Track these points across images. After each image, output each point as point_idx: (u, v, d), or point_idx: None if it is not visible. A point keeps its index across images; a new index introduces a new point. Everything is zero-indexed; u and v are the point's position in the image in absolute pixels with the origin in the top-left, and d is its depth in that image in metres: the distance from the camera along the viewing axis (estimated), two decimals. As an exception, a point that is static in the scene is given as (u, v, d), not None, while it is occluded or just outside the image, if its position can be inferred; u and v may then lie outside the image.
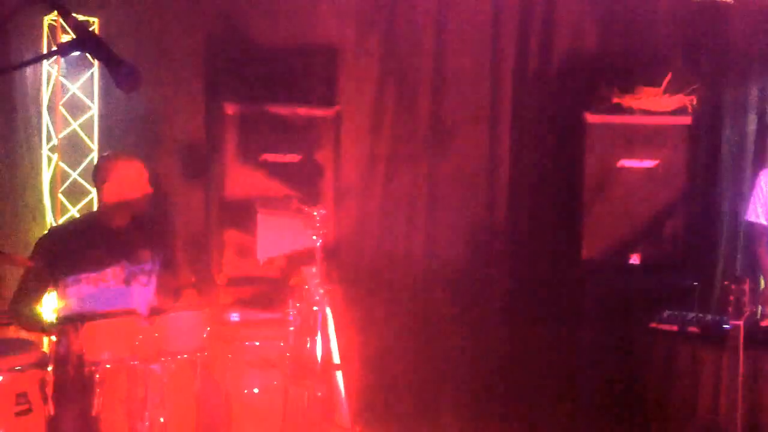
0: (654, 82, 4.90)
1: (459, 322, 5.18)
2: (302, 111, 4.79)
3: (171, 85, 4.92)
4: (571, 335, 4.84)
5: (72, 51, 2.21)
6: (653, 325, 3.76)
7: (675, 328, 3.73)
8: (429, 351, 5.11)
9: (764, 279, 4.04)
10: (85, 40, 2.13)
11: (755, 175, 4.21)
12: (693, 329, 3.69)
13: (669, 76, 4.86)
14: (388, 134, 5.32)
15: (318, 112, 4.84)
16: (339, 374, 3.67)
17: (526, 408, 4.92)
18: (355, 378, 3.74)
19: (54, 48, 4.69)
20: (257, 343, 3.65)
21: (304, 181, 4.70)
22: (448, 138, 5.34)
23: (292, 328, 3.66)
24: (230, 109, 4.71)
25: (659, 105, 4.88)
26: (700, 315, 3.83)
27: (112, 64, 2.12)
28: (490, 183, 5.38)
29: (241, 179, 4.68)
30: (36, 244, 3.75)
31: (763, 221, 4.07)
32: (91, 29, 2.88)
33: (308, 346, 3.61)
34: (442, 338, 5.16)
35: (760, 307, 3.75)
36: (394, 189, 5.30)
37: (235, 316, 3.78)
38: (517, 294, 5.23)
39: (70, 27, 2.23)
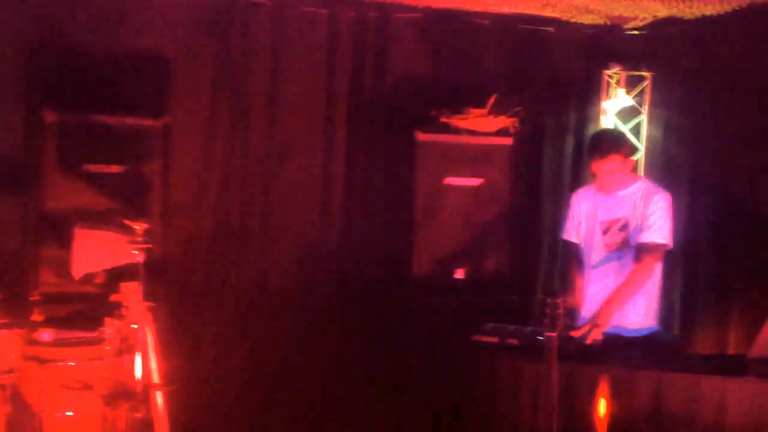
0: (480, 104, 5.09)
1: (289, 342, 5.15)
2: (128, 121, 4.63)
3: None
4: (400, 351, 4.91)
5: None
6: (475, 337, 3.86)
7: (496, 340, 3.84)
8: (257, 371, 5.03)
9: (568, 292, 4.20)
10: None
11: (573, 193, 4.42)
12: (512, 341, 3.81)
13: (493, 98, 5.07)
14: (221, 149, 5.23)
15: (145, 122, 4.69)
16: (159, 395, 3.54)
17: (355, 426, 4.93)
18: (178, 399, 3.62)
19: None
20: (72, 364, 3.47)
21: (129, 194, 4.54)
22: (282, 155, 5.33)
23: (109, 348, 3.50)
24: (50, 117, 4.48)
25: (484, 126, 5.07)
26: (520, 327, 3.97)
27: None
28: (324, 201, 5.40)
29: (61, 191, 4.46)
30: None
31: (574, 239, 4.26)
32: None
33: (127, 365, 3.47)
34: (270, 358, 5.10)
35: (576, 320, 3.93)
36: (227, 205, 5.21)
37: (47, 335, 3.57)
38: (348, 312, 5.25)
39: None
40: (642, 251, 4.01)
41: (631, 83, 5.43)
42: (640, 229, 4.02)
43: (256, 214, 5.28)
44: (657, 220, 4.00)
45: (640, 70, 5.44)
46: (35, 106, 4.61)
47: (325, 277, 5.33)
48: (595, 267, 4.16)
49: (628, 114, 5.45)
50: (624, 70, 5.40)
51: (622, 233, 4.08)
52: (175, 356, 3.71)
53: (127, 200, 4.45)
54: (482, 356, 3.80)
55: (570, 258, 4.27)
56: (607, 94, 5.46)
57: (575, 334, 3.82)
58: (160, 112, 4.84)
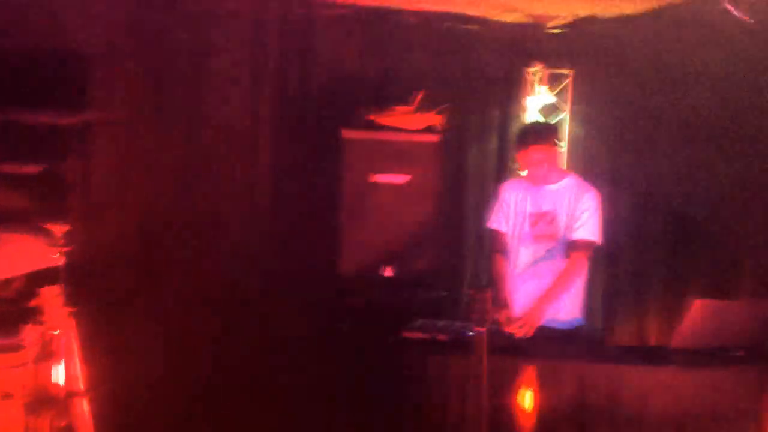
0: (406, 102, 5.11)
1: (216, 343, 5.08)
2: (46, 118, 4.49)
3: None
4: (329, 350, 4.89)
5: None
6: (405, 334, 3.88)
7: (426, 336, 3.87)
8: (184, 374, 4.95)
9: (496, 285, 4.26)
10: None
11: (498, 190, 4.46)
12: (442, 337, 3.84)
13: (419, 96, 5.08)
14: (143, 148, 5.12)
15: (63, 120, 4.55)
16: (83, 402, 3.44)
17: (285, 425, 4.90)
18: (102, 405, 3.53)
19: None
20: (-9, 372, 3.35)
21: (48, 195, 4.40)
22: (207, 154, 5.25)
23: (30, 354, 3.39)
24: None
25: (410, 123, 5.09)
26: (449, 323, 4.00)
27: None
28: (249, 200, 5.34)
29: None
30: None
31: (502, 228, 4.30)
32: None
33: (49, 372, 3.36)
34: (198, 360, 5.02)
35: (500, 315, 3.97)
36: (150, 205, 5.11)
37: (-36, 343, 3.44)
38: (276, 312, 5.21)
39: None
40: (573, 248, 4.09)
41: (553, 81, 5.53)
42: (570, 226, 4.10)
43: (181, 214, 5.20)
44: (588, 217, 4.09)
45: (561, 68, 5.54)
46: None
47: (252, 277, 5.28)
48: (523, 258, 4.22)
49: (550, 111, 5.55)
50: (546, 67, 5.49)
51: (550, 226, 4.15)
52: (99, 362, 3.61)
53: (45, 201, 4.31)
54: (412, 353, 3.82)
55: (496, 247, 4.31)
56: (530, 92, 5.54)
57: (509, 330, 3.87)
58: (79, 109, 4.71)
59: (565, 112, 5.54)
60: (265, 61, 5.34)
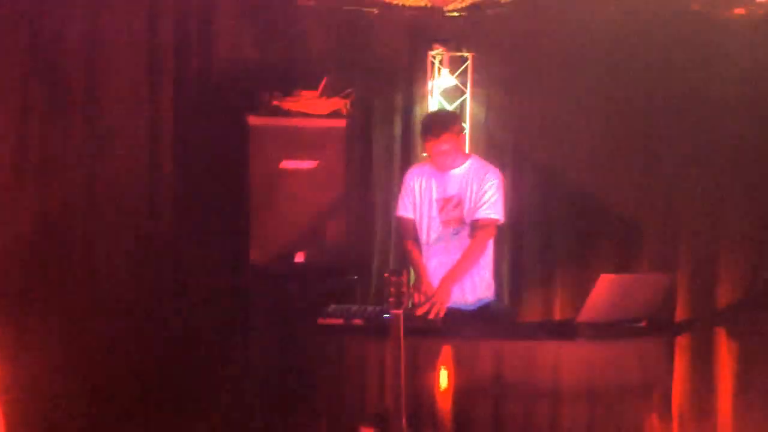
0: (312, 86, 5.08)
1: (122, 339, 4.96)
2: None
3: None
4: (242, 339, 4.85)
5: None
6: (321, 320, 3.88)
7: (341, 321, 3.88)
8: (88, 372, 4.81)
9: (413, 270, 4.32)
10: None
11: (404, 173, 4.50)
12: (357, 321, 3.86)
13: (324, 80, 5.06)
14: (37, 140, 4.95)
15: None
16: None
17: (201, 418, 4.84)
18: (10, 406, 3.41)
19: None
20: None
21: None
22: (104, 144, 5.11)
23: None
24: None
25: (316, 108, 5.07)
26: (363, 307, 4.02)
27: None
28: (152, 191, 5.23)
29: None
30: None
31: (410, 215, 4.35)
32: None
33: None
34: (103, 357, 4.89)
35: (415, 297, 4.02)
36: (47, 199, 4.94)
37: None
38: (186, 303, 5.12)
39: None
40: (476, 228, 4.17)
41: (455, 64, 5.59)
42: (474, 207, 4.18)
43: (80, 207, 5.06)
44: (490, 197, 4.17)
45: (461, 51, 5.61)
46: None
47: (159, 270, 5.17)
48: (431, 244, 4.28)
49: (452, 94, 5.62)
50: (447, 51, 5.55)
51: (456, 210, 4.22)
52: (3, 364, 3.48)
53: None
54: (328, 339, 3.83)
55: (405, 234, 4.36)
56: (432, 75, 5.60)
57: (419, 311, 3.92)
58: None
59: (466, 95, 5.62)
60: (162, 47, 5.21)
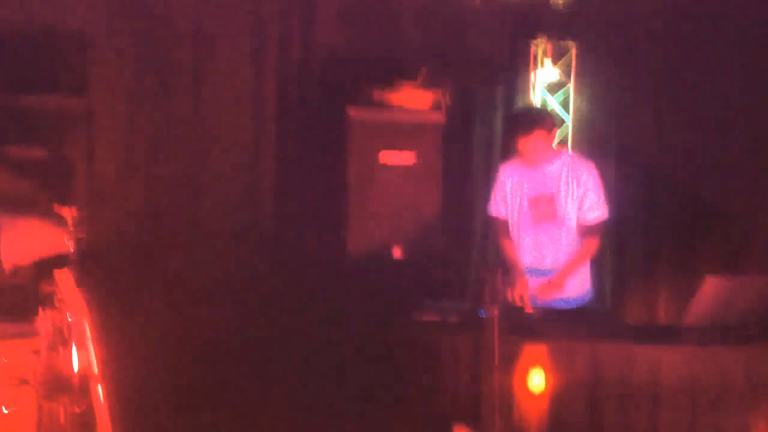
0: (412, 79, 5.07)
1: (225, 324, 5.07)
2: (48, 101, 4.47)
3: None
4: (338, 330, 4.88)
5: None
6: (416, 316, 3.88)
7: (436, 318, 3.87)
8: (195, 356, 4.95)
9: (508, 269, 4.26)
10: None
11: (496, 171, 4.44)
12: (453, 319, 3.85)
13: (424, 71, 5.04)
14: (146, 130, 5.10)
15: (66, 103, 4.53)
16: (99, 387, 3.44)
17: (295, 407, 4.91)
18: (117, 390, 3.53)
19: None
20: (5, 360, 3.34)
21: (54, 179, 4.38)
22: (210, 135, 5.23)
23: (44, 340, 3.38)
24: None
25: (416, 100, 5.06)
26: (459, 304, 4.01)
27: None
28: (254, 181, 5.32)
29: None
30: None
31: (503, 214, 4.29)
32: None
33: (64, 358, 3.36)
34: (208, 342, 5.02)
35: (509, 295, 3.98)
36: (155, 187, 5.09)
37: (-21, 330, 3.43)
38: (284, 292, 5.20)
39: None
40: (587, 232, 4.12)
41: (558, 54, 5.49)
42: (577, 209, 4.10)
43: (185, 196, 5.18)
44: (594, 196, 4.10)
45: (564, 41, 5.49)
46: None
47: (258, 258, 5.25)
48: (524, 241, 4.22)
49: (555, 86, 5.52)
50: (550, 41, 5.45)
51: (550, 207, 4.15)
52: (113, 346, 3.61)
53: (52, 186, 4.29)
54: (423, 335, 3.82)
55: (501, 233, 4.31)
56: (535, 66, 5.50)
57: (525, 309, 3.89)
58: (82, 92, 4.68)
59: (569, 86, 5.50)
60: (266, 41, 5.29)
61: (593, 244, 4.13)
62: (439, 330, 3.81)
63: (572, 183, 4.11)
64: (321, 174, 5.28)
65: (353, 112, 4.99)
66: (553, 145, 4.24)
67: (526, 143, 4.11)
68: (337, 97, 5.14)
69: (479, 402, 3.45)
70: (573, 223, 4.14)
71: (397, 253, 4.90)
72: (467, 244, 5.43)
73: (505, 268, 4.26)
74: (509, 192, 4.25)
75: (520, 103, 5.49)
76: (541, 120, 4.15)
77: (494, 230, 4.39)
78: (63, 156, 4.44)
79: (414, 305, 3.96)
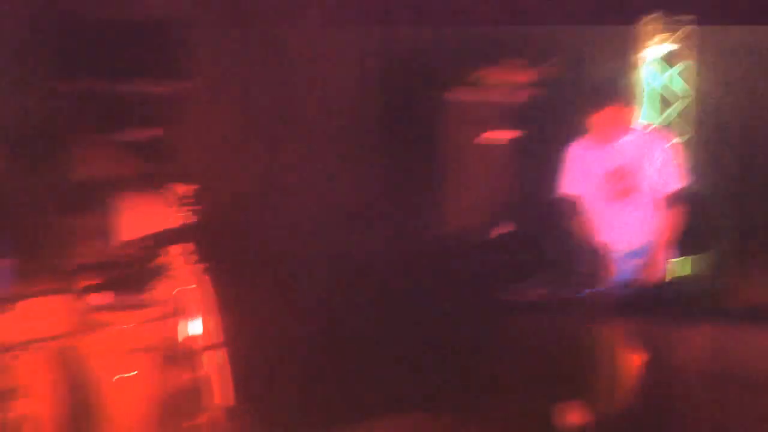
0: (514, 57, 5.00)
1: (333, 299, 5.15)
2: (158, 85, 4.63)
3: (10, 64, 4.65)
4: (435, 312, 4.89)
5: None
6: (513, 296, 3.85)
7: (533, 298, 3.83)
8: (308, 329, 5.04)
9: (586, 249, 4.14)
10: None
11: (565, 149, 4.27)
12: (549, 298, 3.79)
13: (528, 50, 4.96)
14: (255, 110, 5.21)
15: (175, 85, 4.69)
16: (215, 355, 3.57)
17: (402, 386, 4.93)
18: (233, 358, 3.65)
19: None
20: (129, 327, 3.50)
21: (163, 158, 4.55)
22: (309, 112, 5.30)
23: (163, 310, 3.53)
24: (77, 85, 4.49)
25: (518, 79, 5.00)
26: (557, 284, 3.95)
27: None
28: (355, 157, 5.36)
29: (95, 158, 4.48)
30: None
31: (576, 192, 4.16)
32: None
33: (183, 326, 3.50)
34: (319, 316, 5.11)
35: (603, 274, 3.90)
36: (260, 165, 5.20)
37: (102, 300, 3.61)
38: (384, 273, 5.22)
39: None
40: (670, 201, 3.99)
41: (671, 30, 5.31)
42: (656, 181, 3.99)
43: (292, 174, 5.26)
44: (671, 167, 3.99)
45: (679, 16, 5.31)
46: (61, 74, 4.62)
47: (358, 237, 5.29)
48: (603, 219, 4.12)
49: (669, 60, 5.34)
50: (664, 15, 5.27)
51: (628, 182, 4.04)
52: (229, 316, 3.73)
53: (162, 164, 4.45)
54: (520, 315, 3.78)
55: (573, 211, 4.19)
56: (647, 42, 5.34)
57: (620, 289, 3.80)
58: (190, 76, 4.83)
59: (684, 62, 5.32)
60: (370, 19, 5.30)
61: (676, 216, 3.99)
62: (537, 310, 3.76)
63: (649, 155, 4.00)
64: (420, 153, 5.27)
65: (454, 92, 4.96)
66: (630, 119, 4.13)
67: (602, 117, 4.02)
68: (438, 78, 5.11)
69: (583, 382, 3.40)
70: (652, 196, 4.02)
71: (496, 232, 4.85)
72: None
73: (587, 248, 4.15)
74: (583, 169, 4.15)
75: (631, 80, 5.35)
76: (618, 94, 4.06)
77: (565, 209, 4.26)
78: (174, 136, 4.60)
79: (513, 286, 3.92)
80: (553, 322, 3.67)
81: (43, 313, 3.30)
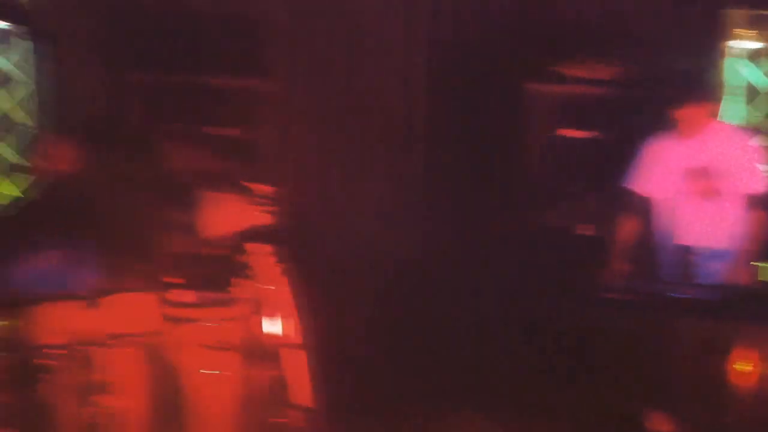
0: (594, 51, 4.92)
1: (415, 299, 5.16)
2: (243, 83, 4.70)
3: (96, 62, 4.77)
4: (525, 309, 4.84)
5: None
6: (604, 294, 3.79)
7: (627, 296, 3.77)
8: (388, 329, 5.07)
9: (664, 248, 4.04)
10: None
11: (647, 146, 4.19)
12: (643, 297, 3.73)
13: (606, 44, 4.88)
14: (336, 110, 5.24)
15: (259, 83, 4.75)
16: (295, 354, 3.62)
17: (498, 383, 4.90)
18: (314, 357, 3.69)
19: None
20: (212, 324, 3.57)
21: (250, 156, 4.62)
22: (391, 111, 5.30)
23: (245, 308, 3.59)
24: (166, 82, 4.60)
25: (597, 74, 4.92)
26: (652, 282, 3.89)
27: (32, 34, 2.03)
28: (430, 157, 5.34)
29: (183, 154, 4.56)
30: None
31: (650, 190, 4.11)
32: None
33: (264, 325, 3.55)
34: (400, 316, 5.12)
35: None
36: (346, 165, 5.22)
37: (186, 297, 3.68)
38: (461, 268, 5.21)
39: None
40: (754, 202, 3.90)
41: (758, 23, 5.15)
42: (738, 180, 3.87)
43: (377, 171, 5.27)
44: (756, 166, 3.90)
45: (764, 10, 5.16)
46: (150, 70, 4.72)
47: (432, 233, 5.27)
48: (682, 218, 4.01)
49: (755, 56, 5.20)
50: (750, 9, 5.13)
51: (709, 180, 3.94)
52: (309, 316, 3.77)
53: (248, 162, 4.52)
54: (612, 313, 3.73)
55: (636, 209, 4.10)
56: (732, 36, 5.20)
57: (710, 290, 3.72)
58: (274, 73, 4.88)
59: (769, 57, 5.17)
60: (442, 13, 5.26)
61: (761, 216, 3.88)
62: (630, 309, 3.70)
63: (733, 155, 3.91)
64: (499, 149, 5.22)
65: (532, 86, 4.92)
66: (715, 117, 4.03)
67: (685, 114, 3.92)
68: (515, 71, 5.05)
69: (674, 388, 3.33)
70: (735, 196, 3.91)
71: (585, 230, 4.79)
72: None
73: (669, 248, 4.06)
74: (662, 166, 4.05)
75: (716, 76, 5.21)
76: (701, 90, 3.96)
77: (634, 206, 4.16)
78: (257, 135, 4.66)
79: (601, 284, 3.86)
80: (639, 322, 3.60)
81: (130, 309, 3.38)
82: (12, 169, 4.66)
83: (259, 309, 3.59)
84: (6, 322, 3.29)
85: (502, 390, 4.62)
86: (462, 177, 5.29)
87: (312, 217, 5.09)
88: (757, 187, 3.91)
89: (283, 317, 3.57)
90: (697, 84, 4.13)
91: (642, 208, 4.16)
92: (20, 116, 4.67)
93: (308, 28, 5.15)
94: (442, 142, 5.32)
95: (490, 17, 5.29)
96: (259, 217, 3.71)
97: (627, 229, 4.14)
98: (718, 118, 4.32)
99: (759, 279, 4.04)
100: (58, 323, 3.16)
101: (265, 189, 3.76)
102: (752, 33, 5.12)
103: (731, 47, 5.19)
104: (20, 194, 4.57)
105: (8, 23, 2.62)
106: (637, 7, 5.28)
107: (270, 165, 4.71)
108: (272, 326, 3.54)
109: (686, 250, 3.99)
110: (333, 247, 5.14)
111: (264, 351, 3.53)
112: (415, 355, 5.03)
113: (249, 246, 3.74)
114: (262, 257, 3.62)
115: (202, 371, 3.48)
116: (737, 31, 5.17)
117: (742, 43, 5.16)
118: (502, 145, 5.18)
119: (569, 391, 3.86)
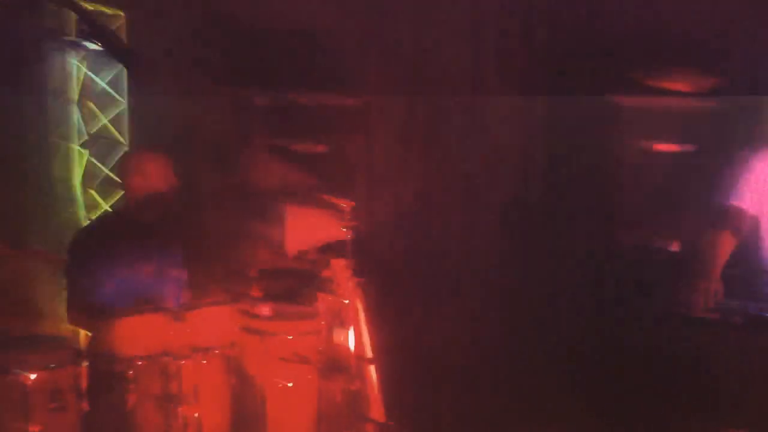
0: (686, 63, 4.78)
1: (496, 314, 5.10)
2: (330, 100, 4.75)
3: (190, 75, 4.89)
4: (609, 324, 4.74)
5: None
6: (693, 314, 3.66)
7: (717, 316, 3.63)
8: (465, 344, 5.03)
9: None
10: (90, 31, 2.11)
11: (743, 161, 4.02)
12: (735, 319, 3.59)
13: (698, 54, 4.73)
14: (420, 126, 5.25)
15: (345, 100, 4.80)
16: (372, 368, 3.63)
17: (565, 406, 4.81)
18: (388, 372, 3.70)
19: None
20: (290, 337, 3.62)
21: (334, 172, 4.66)
22: (477, 125, 5.27)
23: (323, 322, 3.62)
24: (255, 99, 4.68)
25: (689, 86, 4.77)
26: (743, 303, 3.73)
27: (119, 56, 2.10)
28: (522, 168, 5.28)
29: (269, 171, 4.65)
30: (71, 241, 3.76)
31: (748, 206, 3.89)
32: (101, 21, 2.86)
33: (340, 339, 3.58)
34: (478, 331, 5.08)
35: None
36: (428, 179, 5.22)
37: (267, 310, 3.75)
38: (550, 284, 5.13)
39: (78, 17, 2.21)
40: None
41: None
42: None
43: (457, 187, 5.25)
44: None
45: None
46: (240, 88, 4.82)
47: (524, 247, 5.21)
48: None
49: None
50: None
51: None
52: (385, 330, 3.78)
53: (332, 178, 4.56)
54: (701, 333, 3.60)
55: (730, 226, 3.91)
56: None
57: None
58: (359, 90, 4.92)
59: None
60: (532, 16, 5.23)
61: None
62: (720, 329, 3.56)
63: None
64: (587, 164, 5.13)
65: (620, 98, 4.81)
66: None
67: None
68: (603, 83, 4.96)
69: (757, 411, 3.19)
70: None
71: (675, 247, 4.64)
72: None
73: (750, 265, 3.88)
74: (762, 182, 3.87)
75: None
76: None
77: (730, 222, 3.95)
78: (341, 151, 4.71)
79: (690, 302, 3.73)
80: (739, 343, 3.47)
81: (213, 322, 3.45)
82: (103, 184, 4.83)
83: (336, 323, 3.61)
84: (93, 333, 3.41)
85: (593, 413, 4.54)
86: (549, 194, 5.22)
87: (390, 231, 5.10)
88: None
89: (357, 331, 3.59)
90: None
91: (739, 224, 3.99)
92: (113, 133, 4.83)
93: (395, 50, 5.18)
94: (524, 152, 5.27)
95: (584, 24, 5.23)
96: (340, 231, 3.74)
97: (723, 246, 3.97)
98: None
99: None
100: (143, 335, 3.25)
101: (348, 204, 3.78)
102: None
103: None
104: (110, 208, 4.74)
105: (100, 46, 2.72)
106: (734, 17, 5.11)
107: (351, 180, 4.74)
108: (348, 340, 3.56)
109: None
110: (412, 263, 5.14)
111: (340, 364, 3.56)
112: (496, 374, 4.98)
113: (330, 260, 3.77)
114: (342, 272, 3.64)
115: (279, 383, 3.52)
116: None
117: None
118: (589, 161, 5.09)
119: (675, 414, 3.74)
